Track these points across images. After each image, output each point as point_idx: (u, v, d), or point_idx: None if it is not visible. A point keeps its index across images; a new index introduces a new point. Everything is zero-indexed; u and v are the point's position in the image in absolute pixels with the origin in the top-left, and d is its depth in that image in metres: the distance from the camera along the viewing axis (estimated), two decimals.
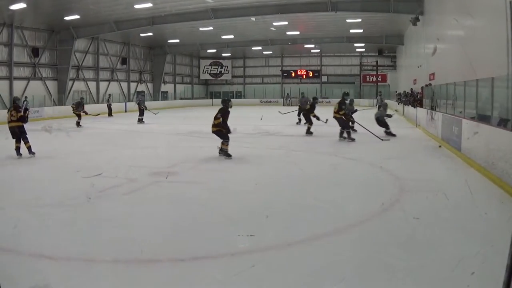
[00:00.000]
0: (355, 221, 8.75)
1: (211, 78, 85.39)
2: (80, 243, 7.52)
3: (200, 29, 52.54)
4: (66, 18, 41.43)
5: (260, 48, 70.95)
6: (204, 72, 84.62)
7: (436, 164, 15.72)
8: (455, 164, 15.36)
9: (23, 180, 13.06)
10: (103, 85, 57.21)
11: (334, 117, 22.81)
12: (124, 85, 61.76)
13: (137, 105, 36.85)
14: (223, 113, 16.33)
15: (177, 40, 63.06)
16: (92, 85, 55.32)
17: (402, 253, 7.01)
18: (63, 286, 5.99)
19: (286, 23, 48.89)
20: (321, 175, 13.90)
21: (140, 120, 35.24)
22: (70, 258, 6.88)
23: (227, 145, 16.43)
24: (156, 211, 9.72)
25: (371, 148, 19.25)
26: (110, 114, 45.14)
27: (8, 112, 17.24)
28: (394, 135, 23.63)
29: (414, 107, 31.86)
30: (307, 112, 25.93)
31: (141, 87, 65.63)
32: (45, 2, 37.03)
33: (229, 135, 16.48)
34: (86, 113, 33.11)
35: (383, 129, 24.43)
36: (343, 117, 22.45)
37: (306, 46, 69.23)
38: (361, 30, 53.62)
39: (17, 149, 16.94)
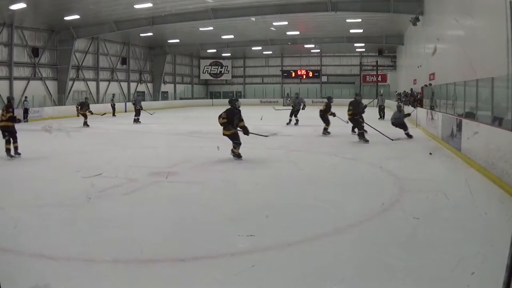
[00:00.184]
0: (355, 221, 8.76)
1: (211, 78, 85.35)
2: (80, 243, 7.53)
3: (200, 29, 52.54)
4: (66, 18, 41.42)
5: (260, 48, 70.97)
6: (204, 72, 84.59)
7: (436, 164, 15.73)
8: (455, 164, 15.37)
9: (23, 179, 13.08)
10: (103, 85, 57.21)
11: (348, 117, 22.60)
12: (124, 85, 61.73)
13: (133, 105, 36.84)
14: (228, 113, 15.83)
15: (177, 40, 63.04)
16: (92, 85, 55.30)
17: (402, 253, 7.01)
18: (63, 286, 5.99)
19: (286, 23, 48.90)
20: (321, 175, 13.90)
21: (136, 120, 35.25)
22: (70, 258, 6.89)
23: (238, 148, 16.05)
24: (156, 211, 9.72)
25: (371, 148, 19.26)
26: (113, 113, 45.22)
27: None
28: (411, 137, 23.15)
29: (414, 107, 31.84)
30: (323, 113, 25.31)
31: (141, 87, 65.67)
32: (45, 2, 37.03)
33: (248, 135, 16.33)
34: (92, 113, 33.06)
35: (401, 130, 23.41)
36: (354, 117, 22.13)
37: (306, 46, 69.24)
38: (361, 30, 53.64)
39: (7, 150, 16.87)
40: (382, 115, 37.35)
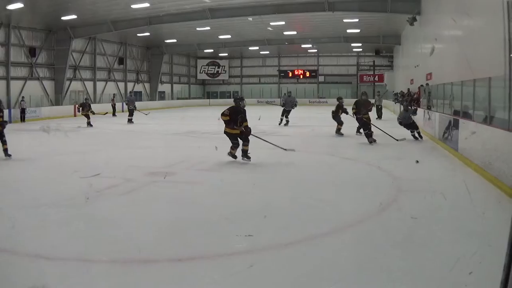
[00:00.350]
0: (352, 221, 8.76)
1: (208, 78, 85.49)
2: (78, 243, 7.52)
3: (197, 29, 52.53)
4: (63, 18, 41.39)
5: (257, 48, 71.07)
6: (201, 72, 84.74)
7: (434, 164, 15.75)
8: (452, 164, 15.39)
9: (21, 180, 13.04)
10: (100, 85, 57.21)
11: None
12: (121, 85, 61.69)
13: (126, 105, 36.79)
14: (231, 111, 15.33)
15: (174, 40, 63.03)
16: (89, 85, 55.29)
17: (400, 253, 7.02)
18: (61, 286, 5.97)
19: (283, 23, 48.90)
20: (318, 175, 13.93)
21: (130, 120, 35.22)
22: (68, 258, 6.88)
23: (235, 150, 15.71)
24: (154, 211, 9.72)
25: (369, 148, 19.29)
26: (114, 113, 45.22)
27: None
28: (421, 138, 22.60)
29: (411, 107, 31.84)
30: (335, 114, 24.81)
31: (138, 87, 65.66)
32: (42, 2, 36.95)
33: (249, 137, 15.65)
34: (94, 113, 32.90)
35: (415, 131, 22.52)
36: (361, 118, 21.74)
37: (303, 46, 69.34)
38: (358, 30, 53.69)
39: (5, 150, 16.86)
40: (379, 115, 37.37)
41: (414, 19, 36.97)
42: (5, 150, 16.79)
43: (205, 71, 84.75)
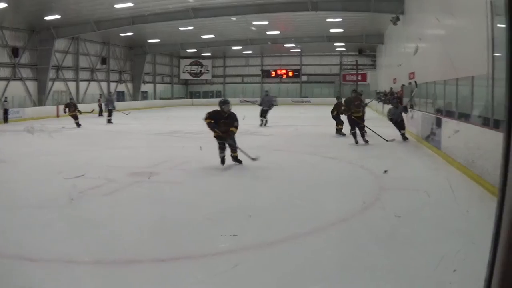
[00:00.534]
0: (336, 220, 8.75)
1: (191, 77, 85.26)
2: (61, 244, 7.46)
3: (180, 28, 52.49)
4: (47, 18, 41.13)
5: (240, 47, 71.09)
6: (184, 71, 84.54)
7: (417, 162, 15.82)
8: (435, 163, 15.45)
9: (4, 181, 12.90)
10: (83, 85, 56.90)
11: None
12: (104, 85, 61.36)
13: (104, 106, 36.56)
14: (211, 114, 14.54)
15: (157, 40, 62.81)
16: (72, 85, 55.00)
17: (383, 251, 7.04)
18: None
19: (266, 22, 48.93)
20: (301, 174, 13.95)
21: (109, 121, 35.08)
22: (52, 259, 6.83)
23: (236, 153, 14.96)
24: (137, 211, 9.67)
25: (351, 147, 19.29)
26: (100, 113, 44.99)
27: None
28: (406, 139, 21.50)
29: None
30: (336, 114, 23.86)
31: (121, 87, 65.45)
32: (25, 1, 36.74)
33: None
34: (81, 112, 32.58)
35: (401, 131, 21.49)
36: (350, 116, 20.75)
37: (286, 45, 69.38)
38: (341, 30, 53.88)
39: None
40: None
41: (398, 19, 37.09)
42: None
43: (188, 70, 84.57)
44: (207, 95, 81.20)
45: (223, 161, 14.75)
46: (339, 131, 24.11)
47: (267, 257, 6.95)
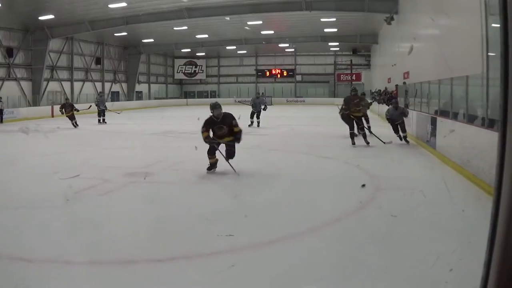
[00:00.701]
0: (331, 220, 8.74)
1: (185, 77, 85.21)
2: (57, 245, 7.45)
3: (175, 28, 52.55)
4: (41, 18, 41.10)
5: (234, 47, 71.15)
6: (178, 71, 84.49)
7: (412, 162, 15.82)
8: (430, 162, 15.46)
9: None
10: (77, 85, 56.82)
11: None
12: (99, 85, 61.28)
13: (96, 106, 36.34)
14: (206, 123, 13.45)
15: (152, 40, 62.79)
16: (66, 85, 54.94)
17: (379, 251, 7.03)
18: None
19: (260, 22, 49.00)
20: (297, 174, 13.90)
21: (101, 121, 35.03)
22: (47, 260, 6.81)
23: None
24: (133, 211, 9.64)
25: (347, 147, 19.22)
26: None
27: None
28: (408, 142, 20.19)
29: (388, 106, 31.90)
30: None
31: (116, 87, 65.42)
32: (19, 1, 36.74)
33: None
34: (78, 110, 32.37)
35: (402, 134, 20.16)
36: (348, 115, 19.69)
37: (280, 45, 69.33)
38: (335, 30, 53.98)
39: None
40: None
41: (392, 18, 37.17)
42: None
43: (182, 70, 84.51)
44: (201, 95, 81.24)
45: (213, 166, 13.61)
46: (361, 130, 21.55)
47: (263, 257, 6.94)
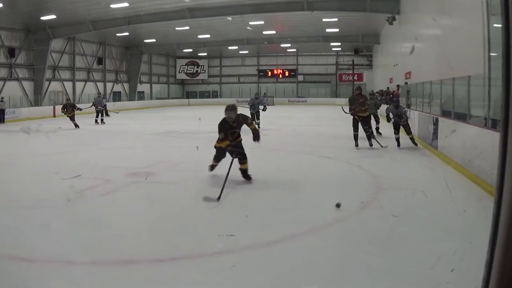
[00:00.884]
0: (332, 220, 8.75)
1: (187, 77, 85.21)
2: (58, 245, 7.45)
3: (176, 28, 52.52)
4: (43, 18, 41.07)
5: (236, 47, 71.15)
6: (180, 71, 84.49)
7: (414, 162, 15.81)
8: (432, 163, 15.44)
9: (1, 181, 12.88)
10: (79, 85, 56.81)
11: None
12: (100, 85, 61.28)
13: (93, 106, 36.15)
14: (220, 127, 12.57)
15: (153, 40, 62.79)
16: (68, 85, 54.93)
17: (381, 251, 7.03)
18: None
19: (262, 22, 48.95)
20: (298, 174, 13.90)
21: (98, 121, 34.95)
22: (49, 260, 6.81)
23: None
24: (134, 211, 9.64)
25: (348, 147, 19.16)
26: (106, 113, 44.62)
27: None
28: (417, 145, 19.20)
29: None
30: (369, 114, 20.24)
31: (117, 87, 65.40)
32: (21, 1, 36.72)
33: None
34: (80, 109, 32.15)
35: (398, 136, 19.21)
36: (355, 116, 18.83)
37: (282, 45, 69.34)
38: (337, 30, 53.91)
39: None
40: None
41: (394, 19, 37.13)
42: None
43: (184, 70, 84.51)
44: (203, 95, 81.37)
45: (213, 168, 13.10)
46: (376, 130, 22.04)
47: (264, 257, 6.94)
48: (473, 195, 10.67)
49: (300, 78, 79.79)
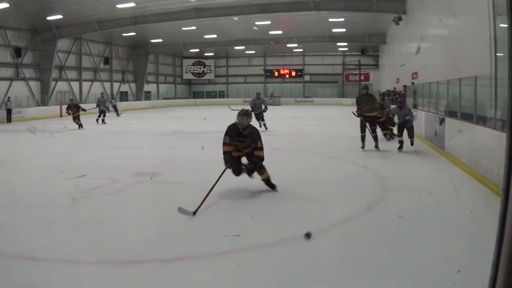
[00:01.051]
0: (339, 220, 8.74)
1: (194, 77, 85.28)
2: (64, 244, 7.47)
3: (183, 28, 52.49)
4: (49, 18, 41.07)
5: (243, 47, 71.13)
6: (187, 71, 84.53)
7: (420, 163, 15.78)
8: (439, 163, 15.42)
9: (6, 181, 12.87)
10: (86, 85, 56.86)
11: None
12: (107, 85, 61.40)
13: (97, 107, 36.14)
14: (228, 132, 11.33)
15: (160, 40, 62.83)
16: (75, 85, 55.00)
17: (387, 252, 7.03)
18: (49, 287, 5.96)
19: (269, 22, 48.92)
20: (304, 174, 13.88)
21: (102, 121, 35.04)
22: (54, 259, 6.83)
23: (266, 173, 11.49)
24: (140, 211, 9.65)
25: (355, 147, 19.12)
26: (117, 113, 44.50)
27: None
28: (412, 145, 18.36)
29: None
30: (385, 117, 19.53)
31: (124, 87, 65.44)
32: (27, 2, 36.73)
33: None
34: (85, 110, 31.90)
35: (401, 138, 18.07)
36: (360, 116, 18.35)
37: (288, 45, 69.28)
38: (343, 30, 53.81)
39: None
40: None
41: (400, 19, 37.07)
42: None
43: (190, 70, 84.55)
44: (210, 95, 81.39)
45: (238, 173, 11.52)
46: (390, 134, 20.20)
47: (271, 257, 6.94)
48: (479, 195, 10.65)
49: (307, 78, 79.73)
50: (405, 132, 17.87)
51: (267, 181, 11.33)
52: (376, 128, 18.75)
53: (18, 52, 45.29)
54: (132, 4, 38.27)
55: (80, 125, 30.68)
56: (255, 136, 11.12)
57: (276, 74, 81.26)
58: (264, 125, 27.44)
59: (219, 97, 79.69)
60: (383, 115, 18.97)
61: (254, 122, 25.23)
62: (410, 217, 8.79)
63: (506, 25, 1.82)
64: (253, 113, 26.09)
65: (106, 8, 40.54)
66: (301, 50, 76.93)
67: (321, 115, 42.64)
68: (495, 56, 14.01)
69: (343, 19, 47.65)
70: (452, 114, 16.94)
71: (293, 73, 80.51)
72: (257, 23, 49.63)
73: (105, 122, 34.89)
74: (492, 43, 14.45)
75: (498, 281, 1.84)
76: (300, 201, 10.40)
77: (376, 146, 18.22)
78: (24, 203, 10.31)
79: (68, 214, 9.47)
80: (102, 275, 6.37)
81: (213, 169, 12.89)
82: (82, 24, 45.79)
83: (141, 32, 55.21)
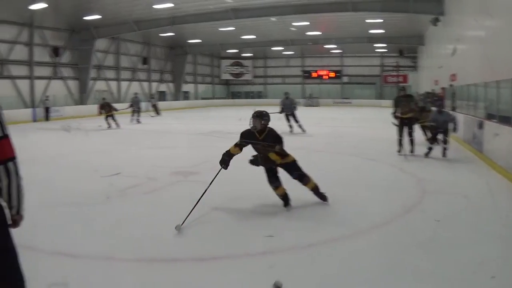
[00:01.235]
0: (377, 223, 8.80)
1: (232, 78, 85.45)
2: (100, 241, 7.64)
3: (220, 29, 52.60)
4: (86, 18, 41.48)
5: (281, 48, 70.98)
6: (225, 72, 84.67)
7: (457, 166, 15.67)
8: (476, 166, 15.34)
9: (42, 179, 13.04)
10: (124, 84, 57.37)
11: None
12: (145, 84, 61.91)
13: (130, 107, 36.37)
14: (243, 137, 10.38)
15: (198, 40, 62.98)
16: (113, 84, 55.56)
17: (423, 255, 7.04)
18: (83, 283, 6.13)
19: (307, 23, 48.68)
20: (342, 176, 13.93)
21: (132, 120, 35.54)
22: (89, 256, 6.99)
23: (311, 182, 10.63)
24: (177, 210, 9.65)
25: (391, 149, 19.01)
26: (157, 113, 44.77)
27: None
28: (426, 155, 17.19)
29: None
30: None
31: (163, 87, 65.81)
32: (65, 2, 37.21)
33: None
34: (117, 110, 32.00)
35: (444, 145, 17.22)
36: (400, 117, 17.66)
37: (326, 46, 68.99)
38: (381, 31, 53.47)
39: None
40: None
41: (437, 20, 36.77)
42: None
43: (228, 71, 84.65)
44: (248, 95, 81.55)
45: (284, 199, 10.24)
46: (432, 140, 17.71)
47: (305, 259, 7.03)
48: None
49: (345, 79, 79.45)
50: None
51: (316, 190, 10.47)
52: (413, 131, 17.96)
53: (56, 51, 45.72)
54: (170, 5, 38.33)
55: (116, 124, 31.01)
56: (274, 138, 10.05)
57: (315, 75, 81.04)
58: (300, 126, 26.59)
59: (258, 98, 79.75)
60: (424, 118, 18.70)
61: (284, 125, 25.24)
62: (446, 221, 8.79)
63: None
64: (283, 114, 26.01)
65: (142, 8, 40.69)
66: (339, 51, 76.55)
67: (359, 117, 42.48)
68: None
69: (380, 20, 47.34)
70: (490, 117, 16.82)
71: (332, 74, 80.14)
72: (295, 24, 49.45)
73: (140, 122, 35.34)
74: None
75: None
76: (337, 202, 10.43)
77: (412, 151, 17.72)
78: (60, 200, 10.58)
79: (104, 212, 9.68)
80: (138, 273, 6.50)
81: (250, 168, 12.96)
82: (119, 24, 46.19)
83: (179, 33, 55.48)
